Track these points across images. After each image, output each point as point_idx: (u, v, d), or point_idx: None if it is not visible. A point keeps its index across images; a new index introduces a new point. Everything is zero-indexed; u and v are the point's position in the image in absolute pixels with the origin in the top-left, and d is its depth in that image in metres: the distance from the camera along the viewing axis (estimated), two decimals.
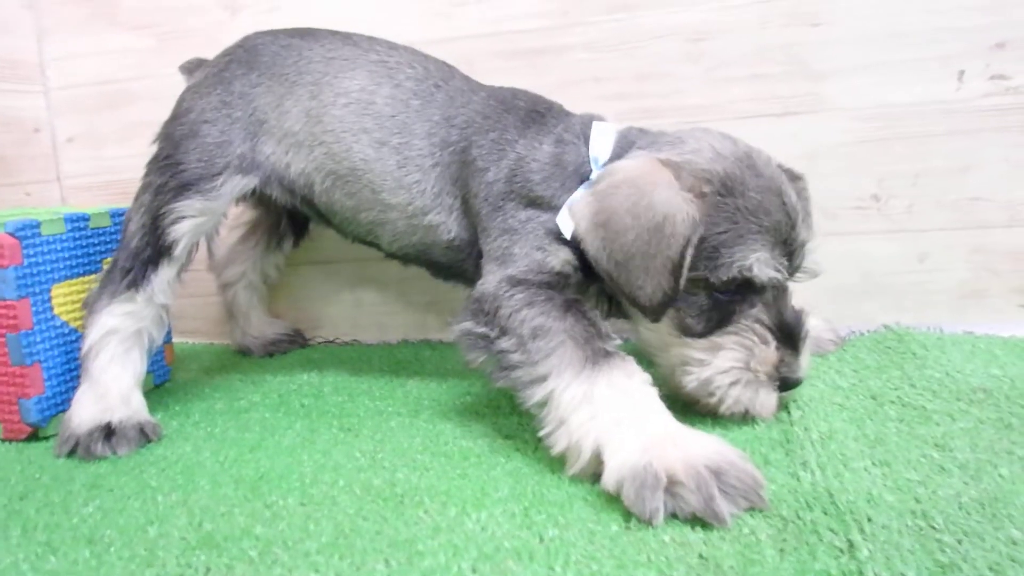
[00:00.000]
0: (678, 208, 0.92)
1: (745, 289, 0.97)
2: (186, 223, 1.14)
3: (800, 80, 1.33)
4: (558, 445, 0.90)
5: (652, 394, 0.90)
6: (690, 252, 0.92)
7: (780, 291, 1.00)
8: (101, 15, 1.45)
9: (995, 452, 0.88)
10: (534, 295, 0.98)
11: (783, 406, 1.04)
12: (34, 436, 1.12)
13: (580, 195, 1.01)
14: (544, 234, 1.04)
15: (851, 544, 0.71)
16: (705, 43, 1.34)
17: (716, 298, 0.97)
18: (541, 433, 0.92)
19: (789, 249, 0.99)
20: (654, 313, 0.96)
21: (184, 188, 1.14)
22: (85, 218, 1.18)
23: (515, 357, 0.94)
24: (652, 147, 1.03)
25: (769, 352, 0.98)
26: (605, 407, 0.87)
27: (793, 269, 1.01)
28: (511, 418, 1.09)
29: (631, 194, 0.95)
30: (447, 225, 1.16)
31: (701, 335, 0.99)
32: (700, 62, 1.35)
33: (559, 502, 0.83)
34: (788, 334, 0.99)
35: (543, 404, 0.92)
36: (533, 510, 0.82)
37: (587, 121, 1.10)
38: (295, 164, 1.19)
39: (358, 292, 1.55)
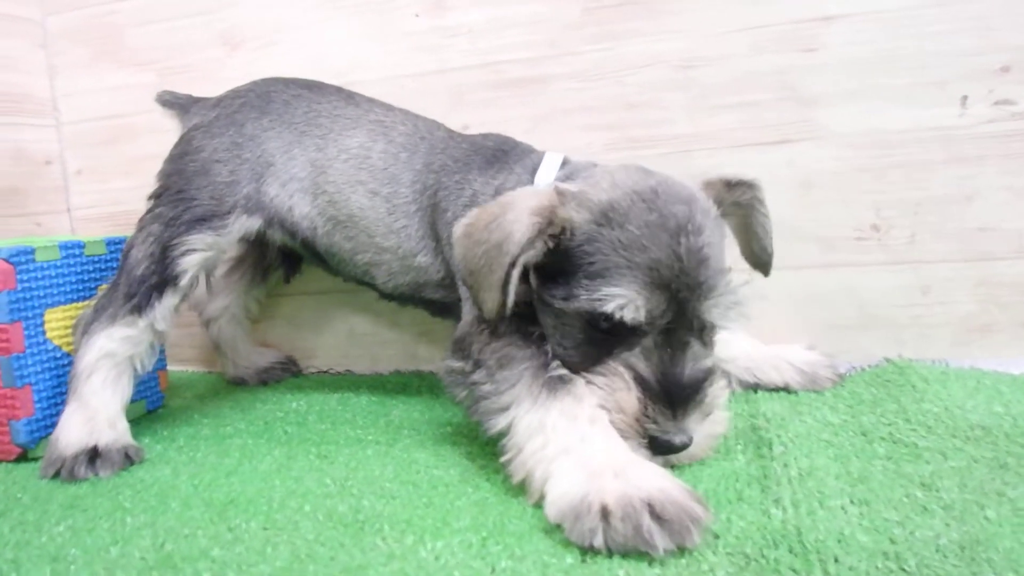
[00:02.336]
0: (518, 228, 0.91)
1: (620, 329, 0.90)
2: (196, 256, 1.19)
3: (793, 107, 1.31)
4: (516, 475, 0.90)
5: (602, 419, 0.89)
6: (517, 272, 0.91)
7: (671, 341, 0.90)
8: (106, 52, 1.52)
9: (984, 493, 0.83)
10: (501, 327, 0.99)
11: (767, 444, 1.01)
12: (23, 457, 1.14)
13: (471, 211, 1.02)
14: None
15: None
16: (694, 71, 1.33)
17: (590, 333, 0.93)
18: (503, 460, 0.92)
19: (676, 296, 0.89)
20: (492, 324, 0.97)
21: (197, 222, 1.19)
22: (80, 245, 1.21)
23: (485, 388, 0.96)
24: (577, 177, 1.04)
25: (630, 401, 0.89)
26: (555, 435, 0.87)
27: (686, 319, 0.90)
28: (486, 447, 1.07)
29: (494, 212, 0.96)
30: (435, 265, 1.22)
31: (575, 370, 0.94)
32: (689, 90, 1.34)
33: (518, 533, 0.82)
34: (669, 391, 0.89)
35: (505, 433, 0.92)
36: (491, 540, 0.80)
37: (541, 156, 1.14)
38: (298, 208, 1.26)
39: (351, 322, 1.56)
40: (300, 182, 1.25)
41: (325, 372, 1.58)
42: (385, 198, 1.23)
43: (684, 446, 0.89)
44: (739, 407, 1.17)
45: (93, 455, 1.06)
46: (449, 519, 0.86)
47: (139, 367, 1.16)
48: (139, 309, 1.14)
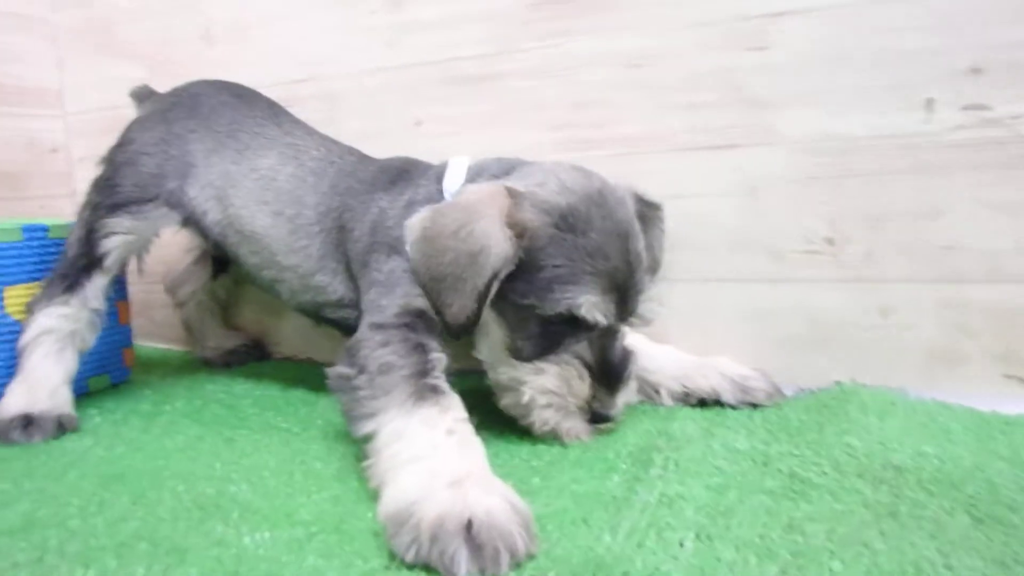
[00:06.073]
0: (496, 242, 0.95)
1: (574, 323, 1.00)
2: (117, 238, 1.26)
3: (742, 109, 1.23)
4: (372, 480, 0.90)
5: (459, 431, 0.89)
6: (496, 285, 0.96)
7: (609, 331, 1.03)
8: (104, 46, 1.62)
9: (848, 543, 0.75)
10: (390, 336, 1.02)
11: (645, 459, 0.97)
12: None
13: (421, 211, 1.03)
14: (409, 279, 1.06)
15: None
16: (643, 70, 1.27)
17: (545, 327, 1.01)
18: (364, 465, 0.92)
19: (623, 295, 1.02)
20: (457, 331, 0.98)
21: (117, 207, 1.26)
22: (44, 228, 1.31)
23: (362, 393, 0.97)
24: (503, 175, 1.06)
25: (583, 387, 1.03)
26: (410, 443, 0.87)
27: (625, 315, 1.04)
28: None
29: (459, 218, 0.97)
30: (333, 286, 1.25)
31: (528, 359, 1.03)
32: (638, 90, 1.28)
33: (350, 533, 0.82)
34: (607, 373, 1.03)
35: (370, 438, 0.93)
36: (319, 537, 0.81)
37: (445, 164, 1.15)
38: (211, 214, 1.31)
39: None
40: (215, 189, 1.30)
41: (288, 358, 1.63)
42: (288, 219, 1.26)
43: (616, 416, 1.06)
44: (650, 424, 1.12)
45: (27, 422, 1.14)
46: (295, 512, 0.87)
47: (81, 342, 1.25)
48: (71, 289, 1.23)
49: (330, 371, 1.04)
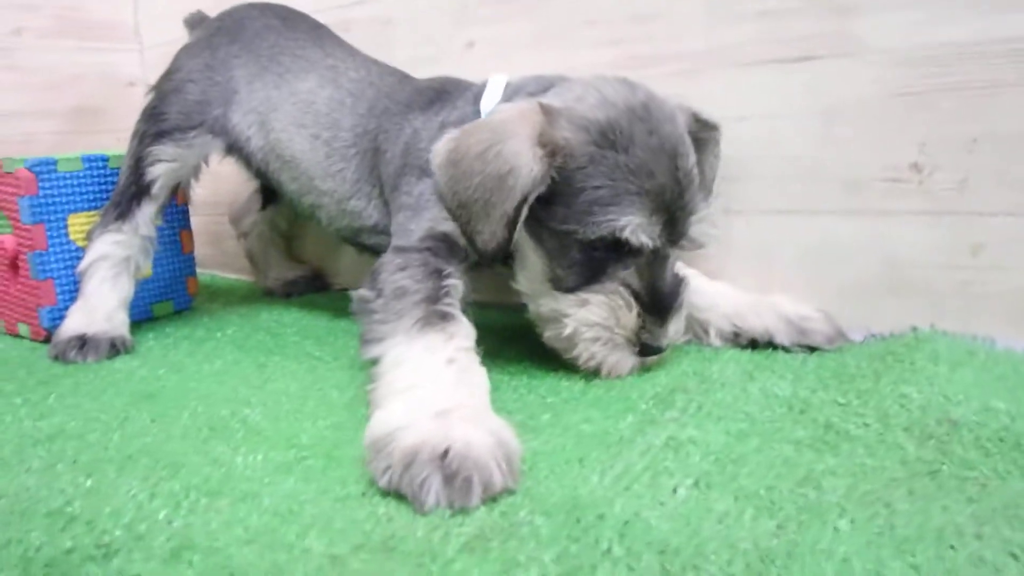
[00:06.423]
0: (524, 163, 0.88)
1: (619, 249, 0.94)
2: (161, 166, 1.28)
3: (824, 15, 1.07)
4: (372, 405, 0.86)
5: (460, 359, 0.86)
6: (526, 208, 0.89)
7: (658, 256, 0.96)
8: None
9: (865, 502, 0.66)
10: (410, 260, 1.00)
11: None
12: (48, 339, 1.32)
13: (449, 133, 0.97)
14: (437, 203, 1.01)
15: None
16: None
17: (588, 254, 0.94)
18: (367, 389, 0.89)
19: (672, 216, 0.94)
20: (489, 258, 0.94)
21: (162, 135, 1.28)
22: (104, 159, 1.36)
23: (377, 316, 0.96)
24: (541, 93, 0.99)
25: (630, 318, 0.95)
26: (410, 369, 0.85)
27: (675, 238, 0.97)
28: None
29: (486, 139, 0.91)
30: (368, 211, 1.23)
31: (570, 289, 0.97)
32: None
33: (340, 458, 0.80)
34: (657, 302, 0.96)
35: (375, 362, 0.91)
36: (307, 461, 0.80)
37: (484, 84, 1.09)
38: (255, 140, 1.31)
39: None
40: (258, 115, 1.30)
41: (345, 290, 1.63)
42: (325, 142, 1.24)
43: (668, 347, 0.99)
44: (688, 364, 1.04)
45: (82, 343, 1.20)
46: (296, 436, 0.87)
47: (135, 267, 1.29)
48: (123, 216, 1.26)
49: (353, 294, 1.02)
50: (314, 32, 1.35)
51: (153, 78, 1.37)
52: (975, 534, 0.58)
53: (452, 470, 0.67)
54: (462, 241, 1.00)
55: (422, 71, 1.31)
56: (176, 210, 1.48)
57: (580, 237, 0.93)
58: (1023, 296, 1.01)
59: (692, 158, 0.96)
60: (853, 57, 1.07)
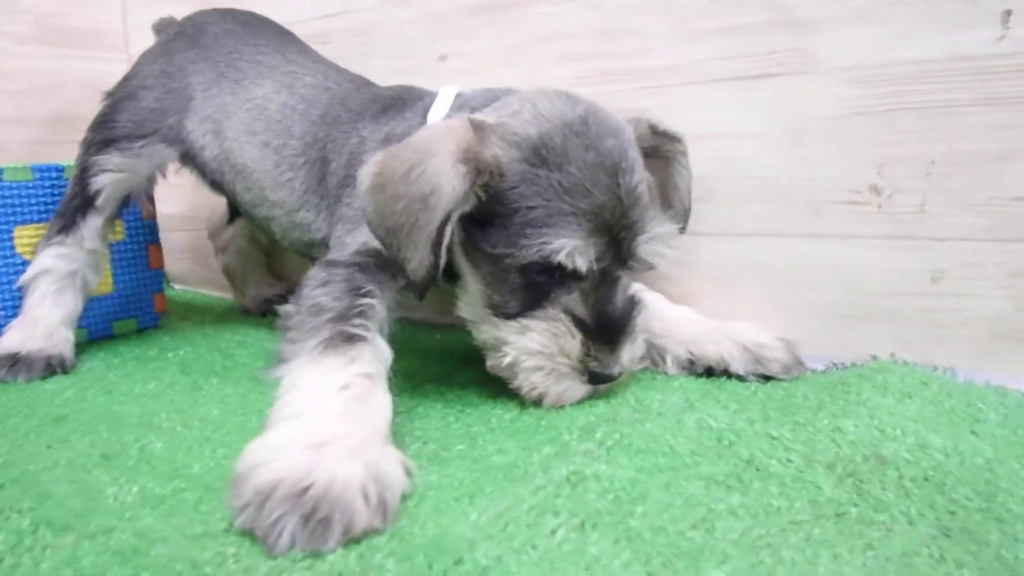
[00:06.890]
0: (446, 180, 0.83)
1: (558, 273, 0.89)
2: (106, 176, 1.23)
3: (782, 32, 1.03)
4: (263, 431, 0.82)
5: (356, 386, 0.80)
6: (449, 229, 0.85)
7: (606, 279, 0.91)
8: None
9: (752, 547, 0.61)
10: (334, 275, 0.95)
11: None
12: None
13: (375, 156, 0.92)
14: None
15: None
16: None
17: (528, 278, 0.90)
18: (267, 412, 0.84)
19: (615, 237, 0.89)
20: (419, 287, 0.87)
21: (107, 143, 1.24)
22: (58, 169, 1.33)
23: (291, 335, 0.91)
24: (486, 106, 0.95)
25: (574, 345, 0.90)
26: (302, 394, 0.80)
27: (622, 259, 0.91)
28: None
29: (410, 159, 0.87)
30: (317, 224, 1.18)
31: (511, 316, 0.92)
32: (668, 13, 1.11)
33: (219, 491, 0.73)
34: (606, 328, 0.91)
35: (275, 384, 0.86)
36: (184, 495, 0.75)
37: (434, 95, 1.05)
38: (209, 149, 1.27)
39: None
40: (212, 123, 1.25)
41: None
42: (275, 150, 1.19)
43: (620, 375, 0.93)
44: (632, 392, 0.98)
45: (14, 361, 1.15)
46: (188, 467, 0.82)
47: (82, 282, 1.24)
48: (67, 229, 1.22)
49: (281, 309, 0.97)
50: (277, 38, 1.32)
51: None
52: None
53: (309, 509, 0.62)
54: None
55: (399, 82, 1.25)
56: (142, 224, 1.45)
57: (513, 262, 0.88)
58: (983, 326, 0.95)
59: (638, 175, 0.91)
60: (812, 75, 1.02)
